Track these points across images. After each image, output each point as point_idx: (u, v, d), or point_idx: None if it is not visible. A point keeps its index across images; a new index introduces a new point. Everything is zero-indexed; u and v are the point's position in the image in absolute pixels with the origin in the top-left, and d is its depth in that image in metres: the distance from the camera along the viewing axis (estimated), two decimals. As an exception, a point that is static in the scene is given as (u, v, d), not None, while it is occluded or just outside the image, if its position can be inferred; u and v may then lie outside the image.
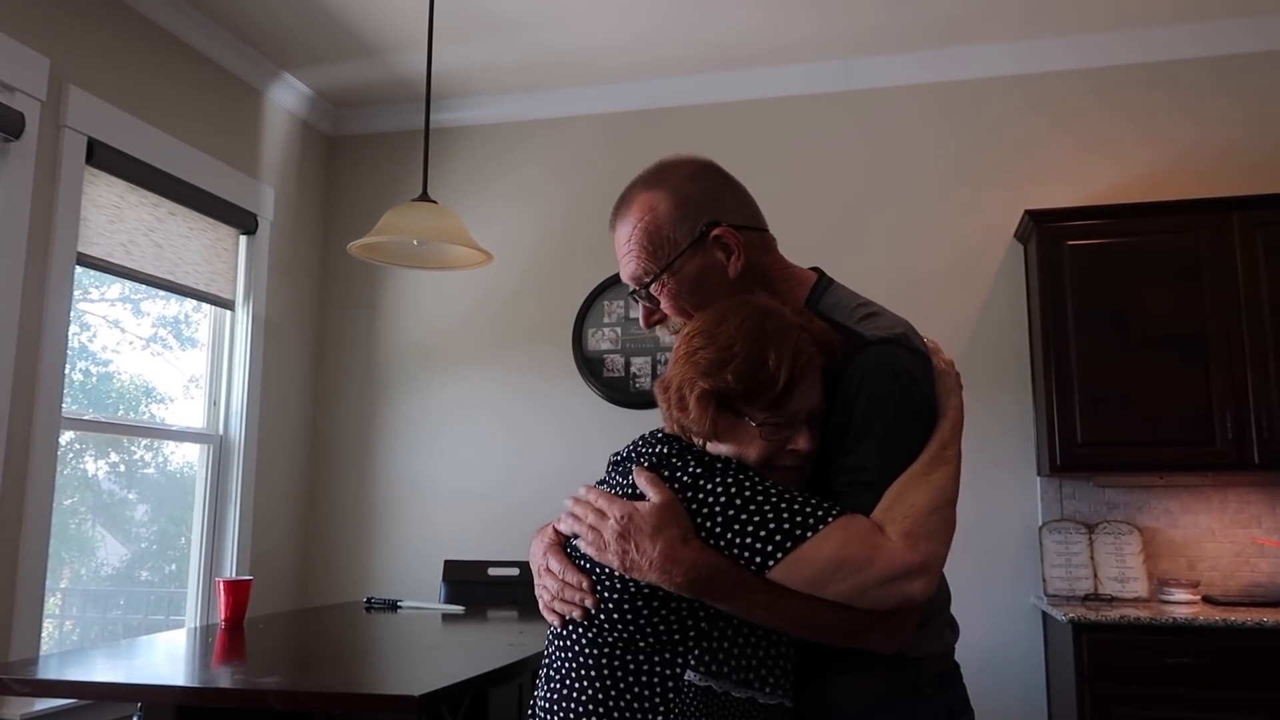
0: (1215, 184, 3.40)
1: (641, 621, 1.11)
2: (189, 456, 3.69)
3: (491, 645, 2.36)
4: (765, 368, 1.13)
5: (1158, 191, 3.45)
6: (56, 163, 2.94)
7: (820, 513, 1.09)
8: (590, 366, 3.89)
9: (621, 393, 3.83)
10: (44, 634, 2.88)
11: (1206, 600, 3.14)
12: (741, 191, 1.35)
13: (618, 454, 1.24)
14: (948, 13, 3.41)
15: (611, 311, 3.90)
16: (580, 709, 1.13)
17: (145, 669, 2.03)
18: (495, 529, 3.85)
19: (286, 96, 4.01)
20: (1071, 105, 3.61)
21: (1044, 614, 3.32)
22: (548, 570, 1.19)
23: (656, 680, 1.10)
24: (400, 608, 3.06)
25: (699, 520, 1.10)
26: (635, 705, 1.10)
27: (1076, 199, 3.50)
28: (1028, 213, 3.35)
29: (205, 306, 3.72)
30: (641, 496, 1.13)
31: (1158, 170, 3.50)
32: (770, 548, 1.08)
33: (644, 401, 3.76)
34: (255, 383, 3.78)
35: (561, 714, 1.14)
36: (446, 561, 3.45)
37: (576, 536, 1.17)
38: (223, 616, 2.52)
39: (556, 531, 1.22)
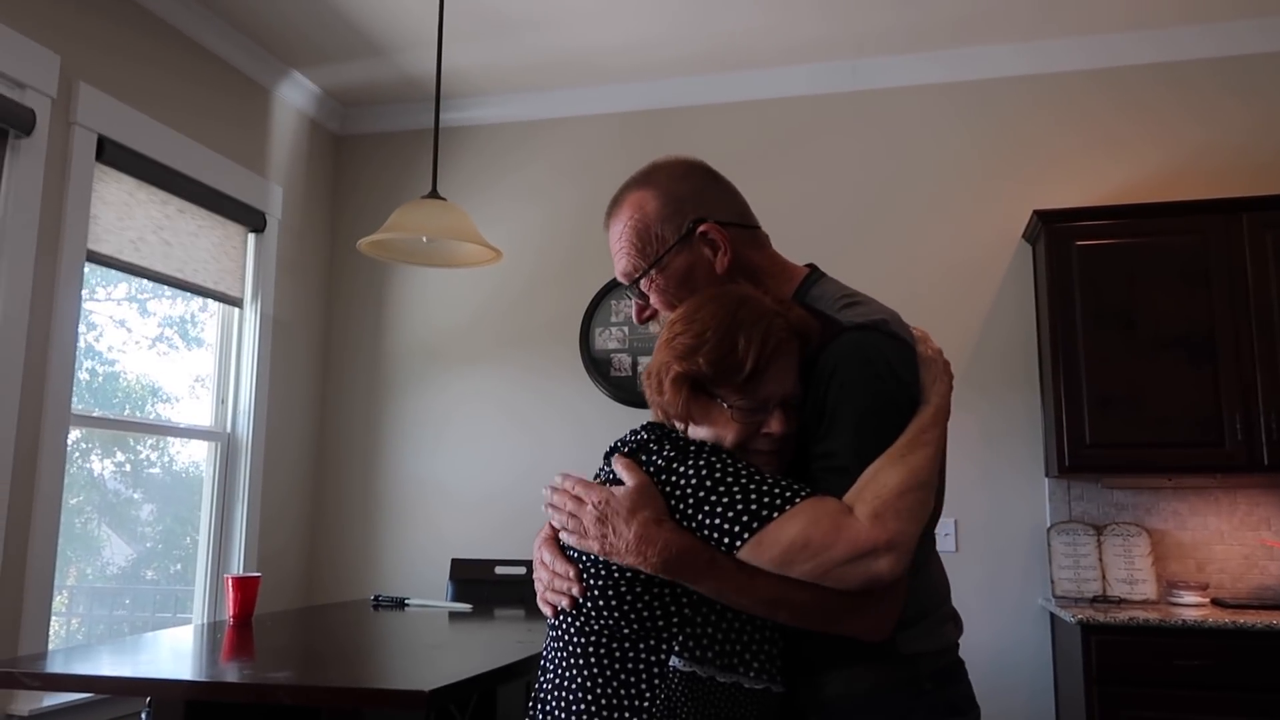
0: (1223, 185, 3.39)
1: (625, 608, 1.13)
2: (194, 456, 3.69)
3: (499, 643, 2.36)
4: (735, 351, 1.16)
5: (1166, 192, 3.44)
6: (66, 159, 2.94)
7: (789, 494, 1.11)
8: (597, 366, 3.89)
9: (629, 392, 3.83)
10: (50, 632, 2.89)
11: (1215, 603, 3.13)
12: (730, 190, 1.38)
13: (612, 443, 1.27)
14: (955, 13, 3.41)
15: (619, 311, 3.90)
16: (570, 697, 1.15)
17: (154, 664, 2.03)
18: (502, 528, 3.85)
19: (295, 95, 4.02)
20: (1079, 106, 3.60)
21: (1052, 616, 3.31)
22: (541, 563, 1.23)
23: (643, 667, 1.12)
24: (407, 606, 3.06)
25: (672, 502, 1.13)
26: (623, 692, 1.13)
27: (1085, 199, 3.50)
28: (1036, 213, 3.34)
29: (211, 306, 3.72)
30: (620, 482, 1.16)
31: (1166, 171, 3.50)
32: (738, 528, 1.10)
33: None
34: (263, 381, 3.79)
35: (554, 702, 1.17)
36: (453, 560, 3.46)
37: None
38: (231, 613, 2.52)
39: (551, 526, 1.25)
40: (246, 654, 2.15)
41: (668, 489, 1.14)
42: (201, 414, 3.70)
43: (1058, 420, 3.20)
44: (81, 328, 3.03)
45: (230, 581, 2.52)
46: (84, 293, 3.02)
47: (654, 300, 1.34)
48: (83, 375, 3.18)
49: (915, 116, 3.75)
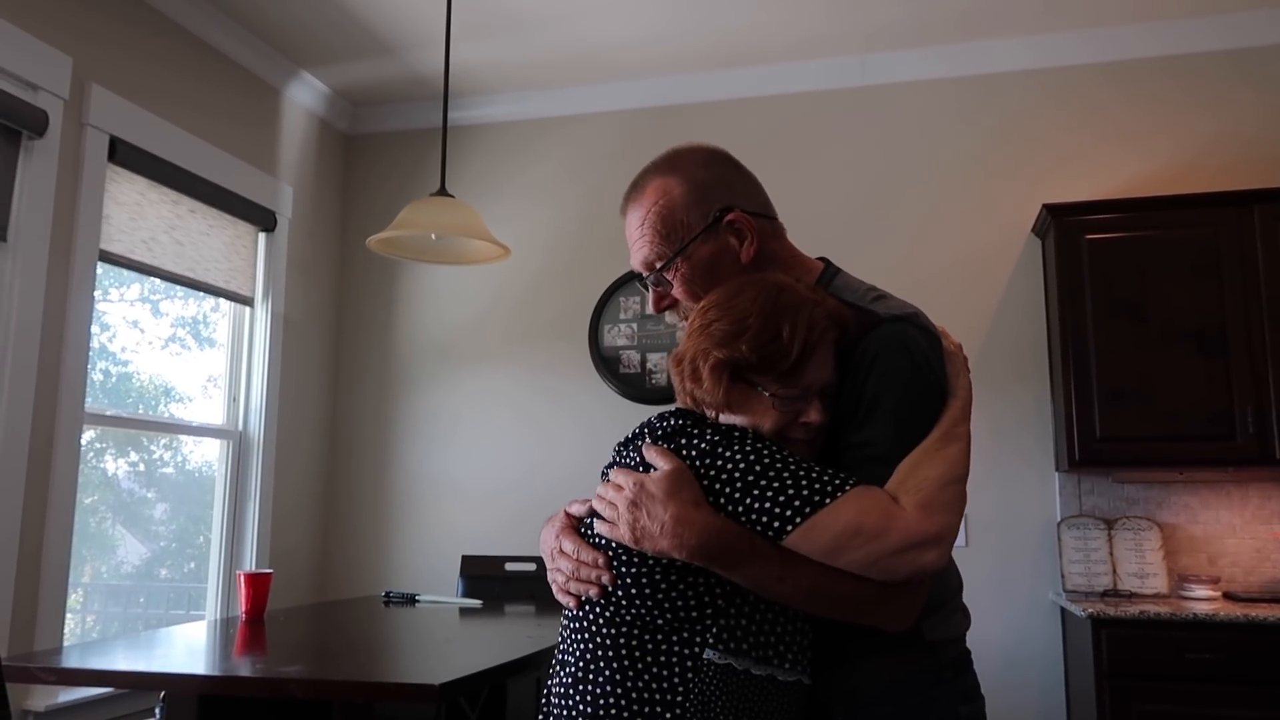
0: (1234, 177, 3.38)
1: (660, 597, 1.10)
2: (207, 455, 3.72)
3: (509, 638, 2.37)
4: (780, 339, 1.14)
5: (1176, 185, 3.43)
6: (79, 160, 2.97)
7: (838, 481, 1.10)
8: (606, 363, 3.89)
9: (638, 389, 3.83)
10: (66, 629, 2.91)
11: (1227, 596, 3.12)
12: (752, 179, 1.37)
13: (625, 437, 1.24)
14: (962, 7, 3.40)
15: (628, 308, 3.91)
16: (599, 690, 1.12)
17: (168, 659, 2.05)
18: (512, 524, 3.87)
19: (305, 95, 4.04)
20: (1089, 99, 3.59)
21: (1063, 610, 3.30)
22: (561, 552, 1.19)
23: (675, 660, 1.10)
24: (418, 601, 3.07)
25: (716, 486, 1.11)
26: (655, 685, 1.09)
27: (1094, 193, 3.49)
28: (1045, 207, 3.33)
29: (223, 306, 3.75)
30: (652, 469, 1.13)
31: (1177, 164, 3.48)
32: (790, 513, 1.08)
33: (660, 397, 3.76)
34: (274, 379, 3.81)
35: (578, 698, 1.13)
36: (464, 556, 3.47)
37: (591, 517, 1.17)
38: (243, 609, 2.54)
39: (568, 515, 1.22)
40: (259, 649, 2.16)
41: (711, 473, 1.11)
42: (214, 413, 3.73)
43: (1068, 414, 3.20)
44: (95, 328, 3.05)
45: (242, 578, 2.53)
46: (97, 293, 3.05)
47: (676, 289, 1.31)
48: (96, 376, 3.20)
49: (923, 111, 3.75)
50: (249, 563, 3.64)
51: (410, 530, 4.02)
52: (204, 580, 3.63)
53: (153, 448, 3.55)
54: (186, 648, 2.19)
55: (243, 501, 3.70)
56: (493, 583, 3.32)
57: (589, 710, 1.11)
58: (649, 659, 1.10)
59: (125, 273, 3.26)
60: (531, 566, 3.30)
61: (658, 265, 1.32)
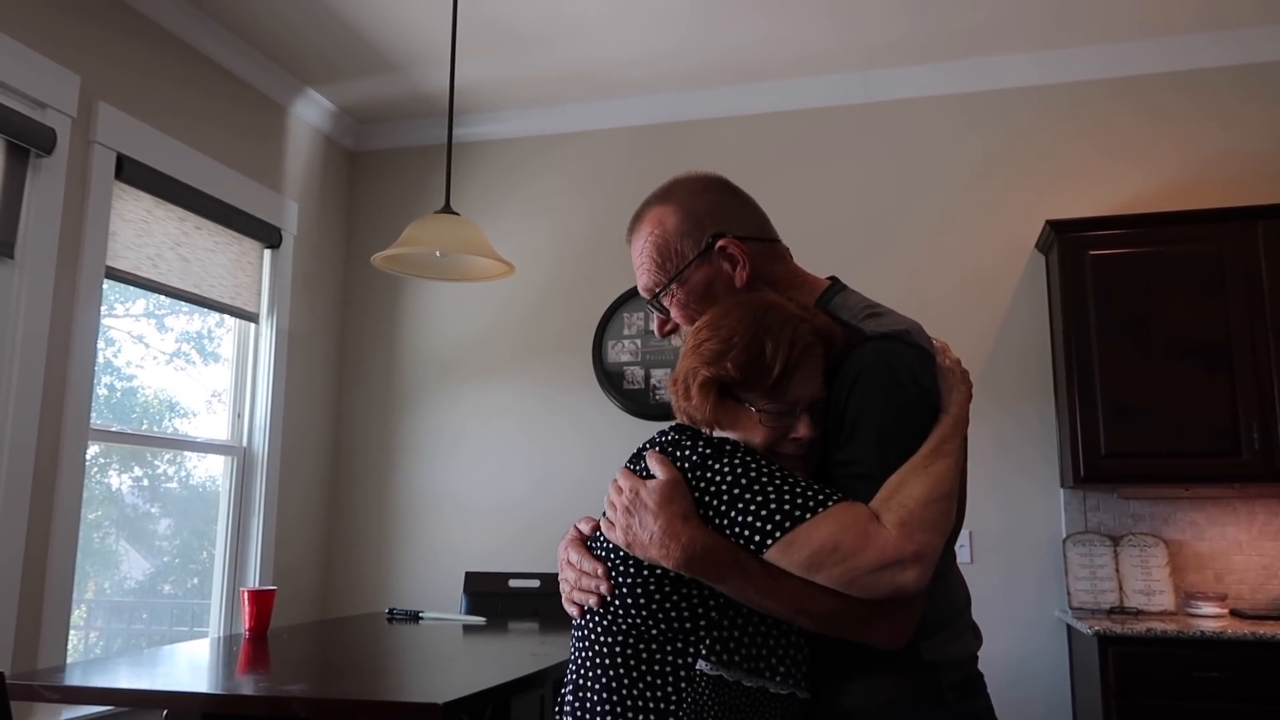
0: (1240, 192, 3.38)
1: (654, 607, 1.13)
2: (211, 470, 3.72)
3: (513, 655, 2.36)
4: (763, 355, 1.16)
5: (1182, 200, 3.43)
6: (86, 178, 2.99)
7: (821, 497, 1.11)
8: (610, 379, 3.90)
9: (642, 404, 3.83)
10: (69, 645, 2.91)
11: (1234, 614, 3.10)
12: (749, 204, 1.39)
13: (633, 454, 1.27)
14: (966, 24, 3.42)
15: (631, 324, 3.92)
16: (595, 698, 1.15)
17: (170, 677, 2.04)
18: (516, 540, 3.86)
19: (310, 112, 4.06)
20: (1094, 114, 3.60)
21: (1069, 627, 3.29)
22: (568, 563, 1.24)
23: (669, 670, 1.12)
24: (422, 619, 3.07)
25: (705, 499, 1.13)
26: (648, 694, 1.12)
27: (1099, 209, 3.49)
28: (1049, 223, 3.34)
29: (228, 322, 3.76)
30: (653, 477, 1.17)
31: (1182, 178, 3.48)
32: (769, 526, 1.10)
33: (664, 413, 3.76)
34: (279, 395, 3.81)
35: (577, 704, 1.17)
36: (467, 573, 3.46)
37: (600, 533, 1.21)
38: (247, 626, 2.53)
39: (577, 529, 1.27)
40: (262, 666, 2.16)
41: (701, 484, 1.14)
42: (218, 428, 3.73)
43: (1072, 430, 3.19)
44: (100, 343, 3.06)
45: (246, 595, 2.53)
46: (103, 309, 3.06)
47: (675, 314, 1.36)
48: (101, 390, 3.21)
49: (928, 127, 3.76)
50: (253, 579, 3.64)
51: (414, 546, 4.02)
52: (207, 596, 3.62)
53: (157, 463, 3.55)
54: (190, 665, 2.19)
55: (247, 517, 3.70)
56: (497, 599, 3.31)
57: (586, 716, 1.15)
58: (643, 668, 1.13)
59: (131, 288, 3.28)
60: (535, 583, 3.30)
61: (656, 292, 1.36)
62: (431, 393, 4.12)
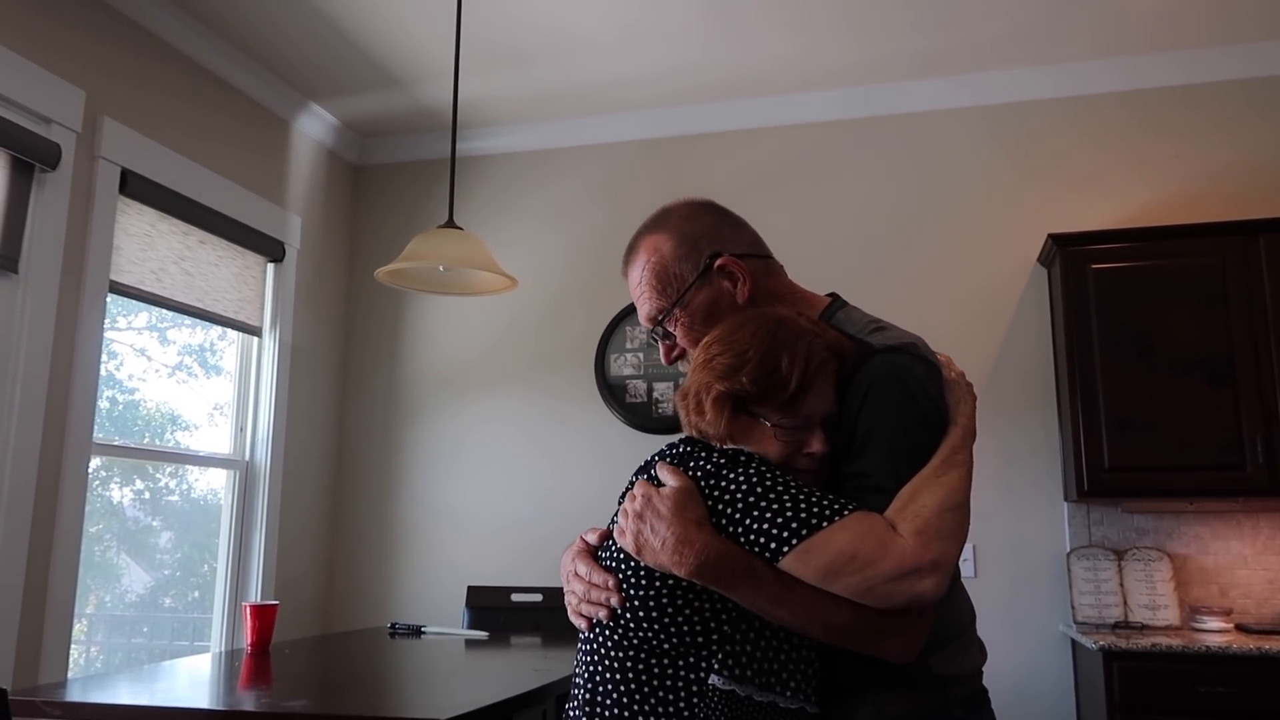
0: (1246, 206, 3.38)
1: (666, 620, 1.12)
2: (213, 484, 3.72)
3: (515, 670, 2.36)
4: (779, 370, 1.16)
5: (1186, 212, 3.43)
6: (90, 192, 3.00)
7: (837, 506, 1.11)
8: (613, 392, 3.90)
9: (644, 418, 3.83)
10: (70, 659, 2.90)
11: (1239, 628, 3.09)
12: (740, 223, 1.41)
13: (640, 465, 1.27)
14: (974, 38, 3.43)
15: (634, 338, 3.92)
16: (606, 713, 1.14)
17: (172, 693, 2.04)
18: (518, 555, 3.85)
19: (314, 127, 4.08)
20: (1096, 127, 3.61)
21: (1073, 642, 3.27)
22: (575, 575, 1.22)
23: (681, 684, 1.11)
24: (424, 633, 3.06)
25: (719, 507, 1.13)
26: (660, 709, 1.11)
27: (1102, 222, 3.50)
28: (1051, 236, 3.34)
29: (230, 335, 3.76)
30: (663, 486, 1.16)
31: (1187, 191, 3.49)
32: (786, 534, 1.09)
33: (667, 427, 3.76)
34: (281, 408, 3.82)
35: (588, 718, 1.15)
36: (469, 587, 3.46)
37: (611, 540, 1.20)
38: (248, 641, 2.53)
39: (584, 540, 1.26)
40: (264, 682, 2.15)
41: (715, 493, 1.13)
42: (220, 441, 3.73)
43: (1076, 444, 3.18)
44: (103, 356, 3.07)
45: (248, 610, 2.53)
46: (105, 322, 3.06)
47: (680, 338, 1.36)
48: (103, 403, 3.21)
49: (934, 141, 3.77)
50: (254, 593, 3.63)
51: (416, 560, 4.01)
52: (209, 610, 3.61)
53: (158, 475, 3.55)
54: (191, 681, 2.18)
55: (249, 531, 3.69)
56: (499, 614, 3.30)
57: None
58: (655, 682, 1.12)
59: (133, 301, 3.28)
60: (538, 598, 3.29)
61: (659, 318, 1.37)
62: (433, 407, 4.12)
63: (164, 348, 3.57)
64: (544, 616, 3.23)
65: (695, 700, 1.10)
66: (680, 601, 1.12)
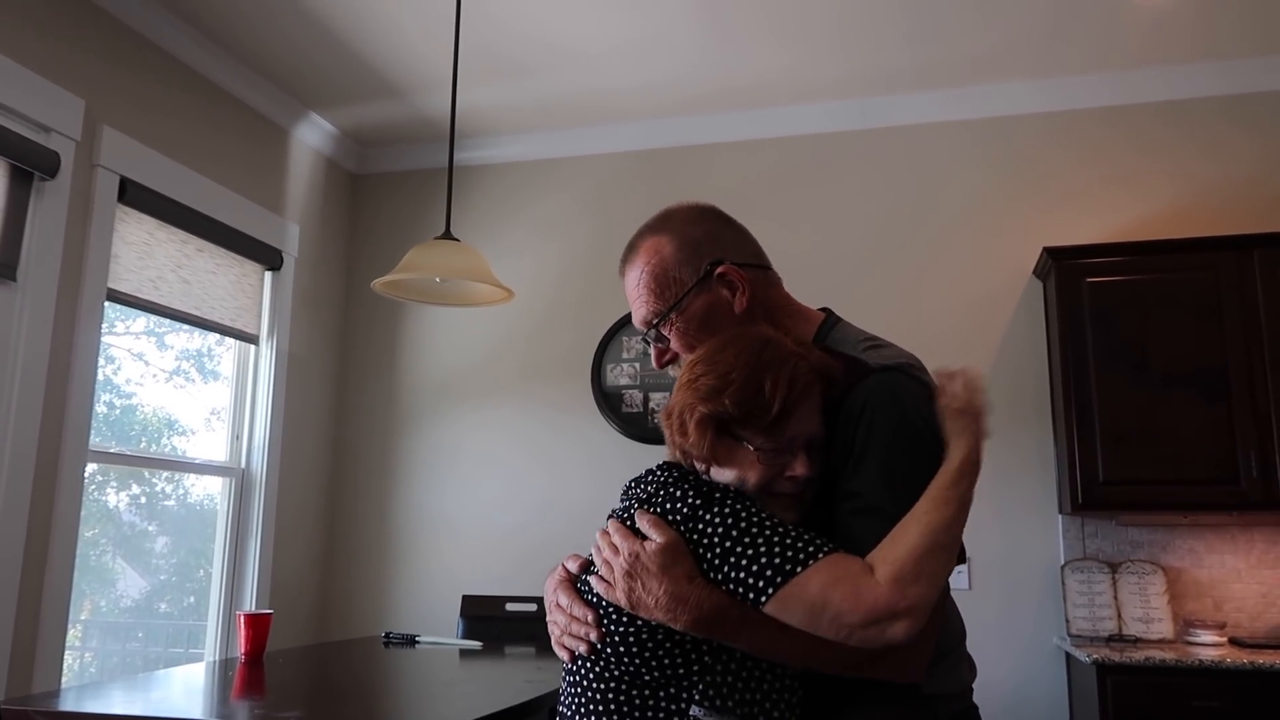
0: (1231, 221, 3.40)
1: (646, 655, 1.12)
2: (209, 489, 3.72)
3: (509, 681, 2.36)
4: (762, 393, 1.15)
5: (1175, 227, 3.45)
6: (89, 201, 3.01)
7: (811, 548, 1.09)
8: (609, 402, 3.90)
9: (640, 428, 3.84)
10: (64, 665, 2.90)
11: (1233, 642, 3.09)
12: (743, 232, 1.39)
13: (630, 481, 1.27)
14: (968, 52, 3.45)
15: (630, 347, 3.93)
16: None
17: (165, 702, 2.03)
18: (513, 564, 3.85)
19: (313, 136, 4.09)
20: (1089, 141, 3.63)
21: (1067, 655, 3.28)
22: (557, 606, 1.22)
23: (663, 715, 1.11)
24: (418, 643, 3.06)
25: (701, 552, 1.12)
26: None
27: (1095, 236, 3.51)
28: (1046, 250, 3.35)
29: (228, 341, 3.77)
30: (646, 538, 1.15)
31: (1175, 206, 3.51)
32: (762, 583, 1.08)
33: (662, 437, 3.76)
34: (278, 417, 3.82)
35: None
36: (464, 596, 3.45)
37: (590, 570, 1.20)
38: (242, 650, 2.53)
39: (565, 569, 1.25)
40: (258, 692, 2.15)
41: (695, 537, 1.12)
42: (217, 447, 3.73)
43: (1070, 457, 3.19)
44: (100, 361, 3.07)
45: (242, 619, 2.52)
46: (103, 327, 3.07)
47: (674, 344, 1.34)
48: (100, 407, 3.22)
49: (929, 153, 3.78)
50: (249, 600, 3.63)
51: (411, 569, 4.01)
52: (204, 617, 3.61)
53: (154, 480, 3.55)
54: (185, 690, 2.18)
55: (244, 539, 3.69)
56: (493, 623, 3.30)
57: None
58: (637, 714, 1.12)
59: (131, 308, 3.29)
60: (532, 607, 3.29)
61: (655, 322, 1.35)
62: (430, 416, 4.12)
63: (161, 353, 3.57)
64: (538, 626, 3.22)
65: None
66: (660, 635, 1.12)
